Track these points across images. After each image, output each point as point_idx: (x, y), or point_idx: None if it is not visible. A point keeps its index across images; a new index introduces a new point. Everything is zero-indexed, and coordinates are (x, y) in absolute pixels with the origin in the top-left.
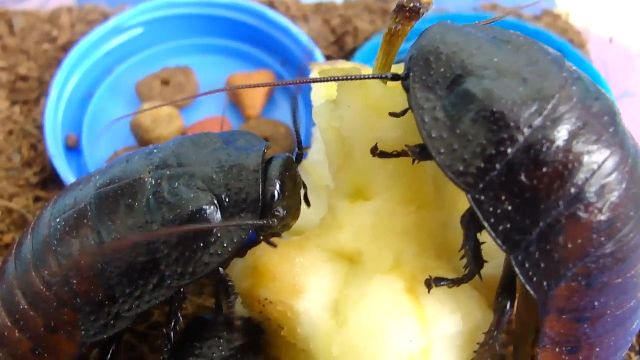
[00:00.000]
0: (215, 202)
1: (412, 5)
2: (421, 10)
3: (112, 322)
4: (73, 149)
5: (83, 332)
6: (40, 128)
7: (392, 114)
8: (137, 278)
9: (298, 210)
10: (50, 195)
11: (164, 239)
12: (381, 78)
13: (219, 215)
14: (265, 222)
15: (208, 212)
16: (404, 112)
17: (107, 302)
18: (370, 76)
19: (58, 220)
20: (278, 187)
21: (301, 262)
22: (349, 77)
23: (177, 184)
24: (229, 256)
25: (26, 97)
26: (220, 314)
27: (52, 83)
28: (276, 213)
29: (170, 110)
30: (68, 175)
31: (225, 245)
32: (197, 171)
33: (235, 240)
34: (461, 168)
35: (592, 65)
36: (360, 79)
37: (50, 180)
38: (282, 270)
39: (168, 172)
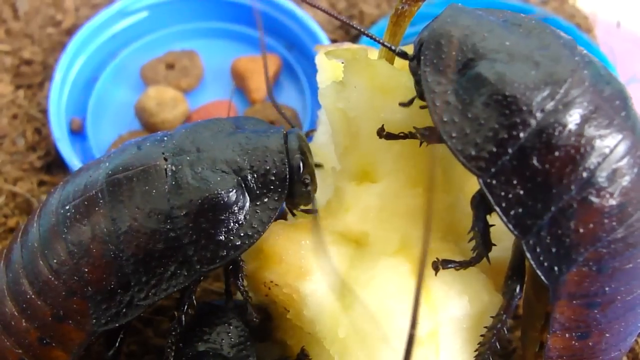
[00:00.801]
0: (242, 184)
1: None
2: None
3: (124, 310)
4: (77, 132)
5: (94, 321)
6: (45, 112)
7: (402, 104)
8: (154, 266)
9: (315, 178)
10: (55, 180)
11: (192, 224)
12: (389, 48)
13: (246, 197)
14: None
15: (235, 194)
16: (411, 102)
17: (119, 291)
18: (381, 40)
19: (67, 207)
20: (301, 157)
21: (307, 244)
22: (357, 27)
23: (199, 168)
24: (259, 237)
25: (30, 81)
26: (230, 300)
27: (56, 67)
28: (306, 181)
29: (175, 94)
30: (72, 159)
31: (255, 226)
32: (219, 155)
33: (265, 221)
34: (473, 152)
35: (600, 50)
36: (370, 36)
37: (55, 164)
38: (288, 253)
39: (188, 158)
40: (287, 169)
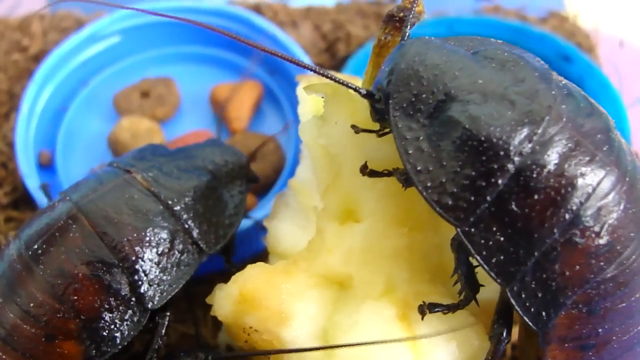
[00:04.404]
0: (214, 176)
1: (402, 14)
2: (412, 21)
3: (126, 324)
4: (46, 166)
5: (94, 352)
6: (11, 145)
7: (354, 127)
8: (159, 260)
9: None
10: (23, 216)
11: (186, 214)
12: (354, 89)
13: (220, 185)
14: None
15: (212, 183)
16: (365, 130)
17: (114, 310)
18: (343, 82)
19: (35, 247)
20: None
21: (288, 288)
22: (321, 72)
23: (174, 170)
24: (240, 218)
25: None
26: (200, 345)
27: (23, 96)
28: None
29: (150, 124)
30: (41, 195)
31: (233, 208)
32: (181, 160)
33: (239, 203)
34: (450, 202)
35: (602, 70)
36: (331, 79)
37: (22, 201)
38: (268, 297)
39: (153, 166)
40: (244, 160)
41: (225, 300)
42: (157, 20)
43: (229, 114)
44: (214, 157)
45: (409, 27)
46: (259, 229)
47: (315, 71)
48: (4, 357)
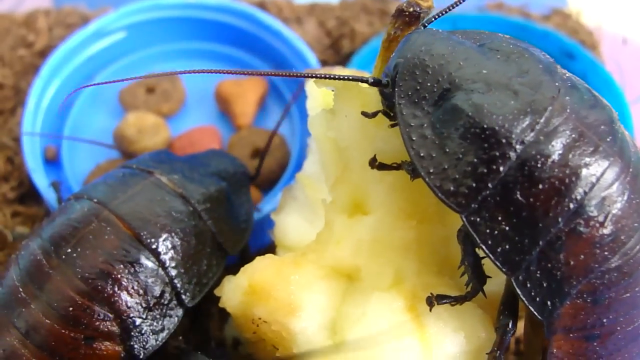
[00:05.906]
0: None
1: (411, 9)
2: (421, 15)
3: (165, 321)
4: (52, 161)
5: (135, 350)
6: (17, 140)
7: (364, 113)
8: (192, 261)
9: None
10: (29, 211)
11: (210, 215)
12: (361, 81)
13: (233, 192)
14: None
15: (226, 190)
16: (374, 114)
17: (155, 307)
18: (350, 77)
19: (69, 250)
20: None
21: (296, 279)
22: (323, 76)
23: (195, 175)
24: (252, 220)
25: (1, 107)
26: (209, 345)
27: (29, 91)
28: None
29: (156, 119)
30: (47, 190)
31: (245, 212)
32: (200, 168)
33: (248, 205)
34: (452, 188)
35: (605, 67)
36: (337, 79)
37: (28, 195)
38: (277, 288)
39: (177, 168)
40: (246, 169)
41: (234, 291)
42: (162, 16)
43: (234, 110)
44: (225, 166)
45: (424, 23)
46: (267, 222)
47: (324, 77)
48: None
